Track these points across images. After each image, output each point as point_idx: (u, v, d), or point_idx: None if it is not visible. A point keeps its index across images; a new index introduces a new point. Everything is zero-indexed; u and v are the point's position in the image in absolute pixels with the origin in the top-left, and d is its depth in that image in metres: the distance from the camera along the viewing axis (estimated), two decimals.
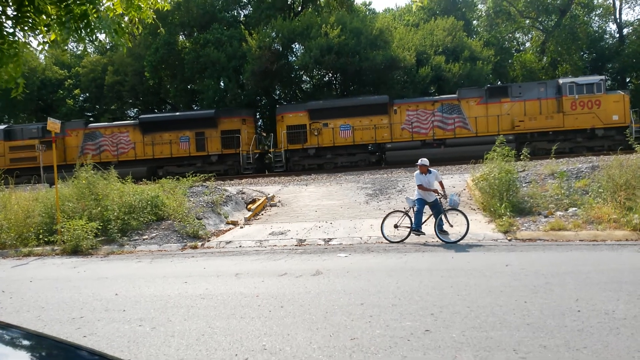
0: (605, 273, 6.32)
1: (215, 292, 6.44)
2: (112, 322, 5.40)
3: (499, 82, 35.38)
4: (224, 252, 10.07)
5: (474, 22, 41.40)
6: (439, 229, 9.43)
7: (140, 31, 4.22)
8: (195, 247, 10.69)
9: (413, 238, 9.66)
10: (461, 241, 9.08)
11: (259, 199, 15.05)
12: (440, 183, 9.74)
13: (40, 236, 11.53)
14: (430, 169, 9.74)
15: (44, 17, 3.39)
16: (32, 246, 11.33)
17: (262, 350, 4.30)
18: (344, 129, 24.21)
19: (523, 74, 35.55)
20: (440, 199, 9.60)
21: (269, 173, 24.45)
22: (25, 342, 1.93)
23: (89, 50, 34.04)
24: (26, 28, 3.30)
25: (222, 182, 20.61)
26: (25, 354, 1.82)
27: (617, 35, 37.38)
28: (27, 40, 3.40)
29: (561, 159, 16.23)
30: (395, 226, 9.76)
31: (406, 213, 9.86)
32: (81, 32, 3.49)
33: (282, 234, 11.22)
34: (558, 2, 36.79)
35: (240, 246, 10.49)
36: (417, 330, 4.54)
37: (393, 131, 23.92)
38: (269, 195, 15.56)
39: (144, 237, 11.54)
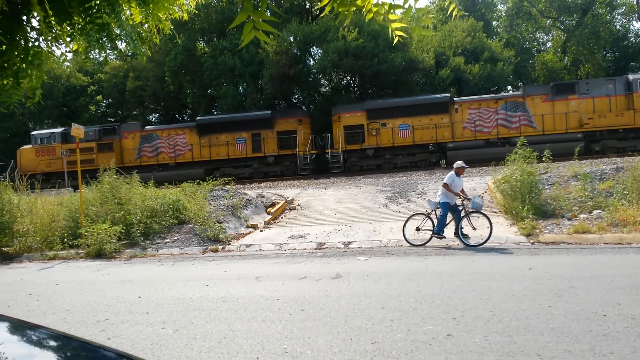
0: (631, 277, 6.18)
1: (236, 295, 6.48)
2: (135, 324, 5.48)
3: (520, 83, 34.93)
4: (245, 255, 10.13)
5: (494, 22, 40.98)
6: (461, 232, 9.35)
7: (159, 40, 4.28)
8: (216, 251, 10.78)
9: (435, 241, 9.58)
10: (484, 244, 8.97)
11: (278, 203, 15.12)
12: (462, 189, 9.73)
13: (65, 240, 11.77)
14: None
15: (68, 27, 3.46)
16: (57, 250, 11.57)
17: (283, 353, 4.31)
18: (402, 129, 23.76)
19: (544, 74, 35.04)
20: (463, 201, 9.52)
21: (326, 174, 24.14)
22: (53, 343, 1.97)
23: (110, 58, 34.62)
24: (50, 38, 3.37)
25: (275, 183, 20.74)
26: (53, 354, 1.86)
27: None
28: (50, 50, 3.47)
29: (584, 161, 15.93)
30: (417, 229, 9.70)
31: (428, 216, 9.77)
32: (102, 41, 3.56)
33: (301, 237, 11.24)
34: (579, 1, 36.18)
35: (260, 249, 10.54)
36: (439, 335, 4.51)
37: (454, 130, 23.46)
38: (288, 199, 15.61)
39: (166, 240, 11.68)
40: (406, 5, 2.71)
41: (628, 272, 6.45)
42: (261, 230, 12.56)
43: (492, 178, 14.10)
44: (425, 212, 10.01)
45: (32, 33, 3.36)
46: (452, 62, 28.57)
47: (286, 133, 24.90)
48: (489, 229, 9.02)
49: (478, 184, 15.10)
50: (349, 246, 10.11)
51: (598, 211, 10.21)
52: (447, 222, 9.53)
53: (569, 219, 10.12)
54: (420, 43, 28.76)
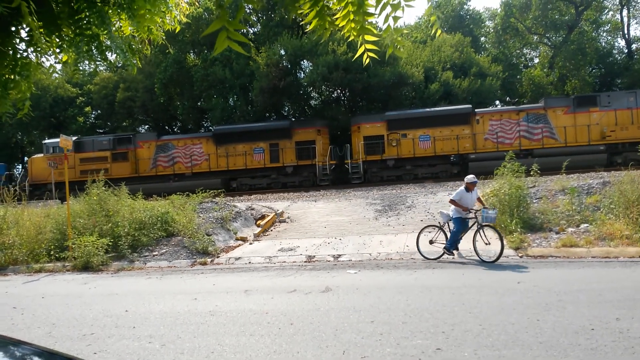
0: (618, 291, 6.23)
1: (224, 309, 6.42)
2: (122, 339, 5.40)
3: (508, 98, 35.37)
4: (233, 268, 10.06)
5: (482, 38, 41.57)
6: (473, 246, 8.97)
7: (150, 52, 4.28)
8: (204, 264, 10.70)
9: (448, 255, 9.31)
10: (497, 260, 8.58)
11: (268, 215, 15.07)
12: (479, 199, 9.49)
13: (52, 252, 11.60)
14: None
15: (57, 39, 3.45)
16: (43, 262, 11.40)
17: None
18: (423, 140, 23.65)
19: (532, 89, 35.53)
20: (475, 213, 9.21)
21: (346, 185, 23.95)
22: (37, 359, 1.93)
23: (100, 69, 34.52)
24: (39, 49, 3.36)
25: (265, 195, 20.61)
26: None
27: (626, 50, 37.32)
28: (39, 62, 3.46)
29: (572, 175, 16.10)
30: (431, 242, 9.51)
31: (441, 228, 9.53)
32: (92, 53, 3.56)
33: (291, 250, 11.20)
34: (566, 18, 36.87)
35: (249, 262, 10.48)
36: (428, 349, 4.50)
37: (476, 141, 23.34)
38: (278, 211, 15.57)
39: (154, 253, 11.57)
40: (384, 26, 2.74)
41: (615, 286, 6.50)
42: (250, 243, 12.49)
43: (480, 191, 14.18)
44: (438, 224, 9.73)
45: (21, 44, 3.35)
46: (442, 77, 28.89)
47: (305, 143, 24.63)
48: (500, 244, 8.65)
49: None
50: (339, 259, 10.08)
51: (585, 225, 10.31)
52: (460, 238, 9.21)
53: (557, 233, 10.20)
54: (409, 58, 29.07)
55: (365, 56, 2.88)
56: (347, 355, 4.47)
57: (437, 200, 15.04)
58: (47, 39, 3.32)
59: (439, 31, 2.82)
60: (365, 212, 14.54)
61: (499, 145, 22.94)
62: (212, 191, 15.90)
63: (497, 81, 30.48)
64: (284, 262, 10.23)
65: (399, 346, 4.62)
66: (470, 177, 9.39)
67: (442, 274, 8.01)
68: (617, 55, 37.77)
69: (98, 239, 11.12)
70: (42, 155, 26.72)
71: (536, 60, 42.15)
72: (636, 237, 9.08)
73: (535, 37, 40.28)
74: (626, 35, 37.79)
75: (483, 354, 4.30)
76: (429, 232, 9.76)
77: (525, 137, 23.06)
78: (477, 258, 8.87)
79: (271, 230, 13.84)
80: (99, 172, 25.08)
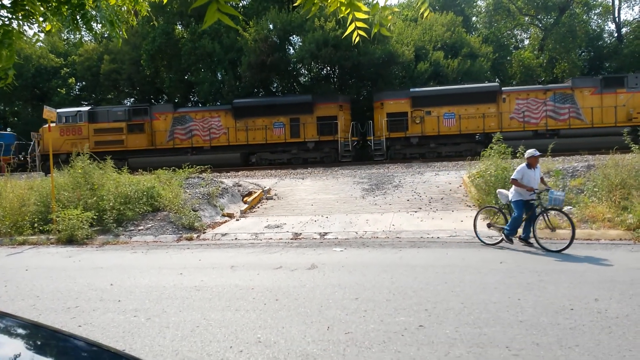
0: (599, 272, 6.36)
1: (210, 284, 6.45)
2: (107, 312, 5.41)
3: (497, 80, 35.40)
4: (220, 244, 10.07)
5: (473, 18, 41.33)
6: (534, 235, 8.19)
7: (135, 23, 4.19)
8: (190, 239, 10.69)
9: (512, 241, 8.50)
10: (567, 249, 7.66)
11: (255, 192, 15.05)
12: (542, 179, 8.45)
13: (35, 225, 11.49)
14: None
15: (40, 7, 3.35)
16: (27, 235, 11.30)
17: (256, 342, 4.32)
18: (447, 117, 23.30)
19: (521, 71, 35.57)
20: (540, 194, 8.20)
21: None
22: (21, 331, 1.92)
23: (85, 40, 33.73)
24: (21, 17, 3.26)
25: (252, 172, 20.49)
26: (22, 343, 1.82)
27: (616, 34, 37.43)
28: (21, 30, 3.36)
29: (557, 157, 16.26)
30: (489, 225, 8.99)
31: (500, 210, 8.80)
32: (77, 22, 3.47)
33: (277, 227, 11.22)
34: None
35: (235, 239, 10.49)
36: (411, 326, 4.57)
37: (502, 120, 23.04)
38: (265, 188, 15.55)
39: (140, 227, 11.53)
40: (373, 2, 2.70)
41: (596, 268, 6.64)
42: (237, 220, 12.49)
43: (467, 172, 14.29)
44: (497, 206, 9.11)
45: (1, 11, 3.24)
46: (432, 57, 28.75)
47: (326, 119, 24.17)
48: (572, 229, 7.65)
49: (454, 177, 15.29)
50: (325, 237, 10.14)
51: (569, 207, 10.45)
52: (522, 222, 8.29)
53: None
54: (400, 36, 28.84)
55: (355, 34, 2.84)
56: (331, 330, 4.53)
57: (424, 180, 15.14)
58: (31, 7, 3.23)
59: (427, 11, 2.79)
60: (353, 191, 14.59)
61: (525, 125, 22.77)
62: (197, 167, 15.78)
63: (488, 62, 30.43)
64: (271, 239, 10.26)
65: (382, 323, 4.68)
66: (531, 151, 8.31)
67: (427, 253, 8.10)
68: (607, 39, 37.88)
69: (83, 213, 11.04)
70: (53, 124, 25.99)
71: (526, 42, 42.14)
72: (618, 220, 9.24)
73: (527, 18, 40.16)
74: (616, 19, 37.85)
75: (464, 331, 4.38)
76: (487, 214, 9.20)
77: (552, 117, 22.86)
78: (538, 246, 8.05)
79: (258, 207, 13.84)
80: (114, 143, 24.94)
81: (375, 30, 2.82)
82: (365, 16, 2.79)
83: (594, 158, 15.73)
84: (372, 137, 24.09)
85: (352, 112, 25.80)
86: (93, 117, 25.63)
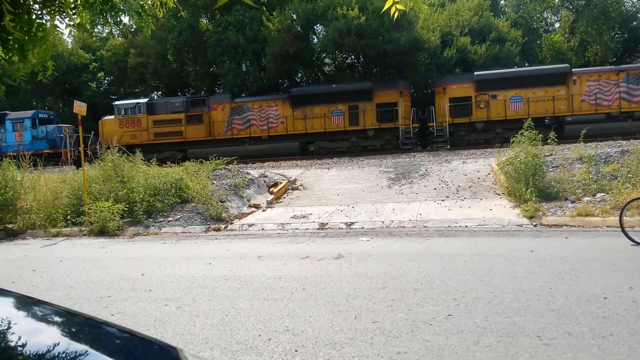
0: (633, 260, 6.19)
1: (238, 274, 6.52)
2: (138, 301, 5.53)
3: (526, 64, 34.52)
4: (247, 234, 10.17)
5: (502, 1, 40.35)
6: None
7: (162, 14, 4.23)
8: (218, 230, 10.83)
9: None
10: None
11: (280, 182, 15.12)
12: None
13: (68, 217, 11.82)
14: None
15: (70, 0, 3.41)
16: (60, 227, 11.63)
17: (284, 331, 4.35)
18: (514, 101, 22.58)
19: (551, 55, 34.60)
20: None
21: (429, 149, 23.21)
22: (57, 319, 1.98)
23: (114, 33, 34.21)
24: (53, 11, 3.32)
25: (277, 163, 20.66)
26: (57, 329, 1.88)
27: None
28: (54, 23, 3.42)
29: (590, 143, 15.81)
30: None
31: None
32: (106, 14, 3.52)
33: (304, 217, 11.26)
34: None
35: (262, 229, 10.58)
36: (439, 315, 4.54)
37: (573, 103, 22.29)
38: (290, 179, 15.61)
39: (169, 219, 11.73)
40: None
41: (630, 256, 6.45)
42: (263, 210, 12.59)
43: (496, 160, 14.04)
44: None
45: (34, 6, 3.31)
46: (458, 42, 28.20)
47: (386, 105, 23.70)
48: None
49: (482, 165, 15.05)
50: (351, 227, 10.13)
51: (602, 194, 10.18)
52: None
53: (573, 202, 10.10)
54: (425, 22, 28.36)
55: (393, 9, 2.79)
56: (358, 320, 4.53)
57: (452, 169, 14.94)
58: (61, 0, 3.29)
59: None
60: (379, 180, 14.51)
61: (598, 108, 21.95)
62: (225, 159, 15.93)
63: (517, 47, 29.68)
64: (297, 229, 10.30)
65: (410, 312, 4.66)
66: None
67: (455, 242, 8.01)
68: None
69: (113, 205, 11.29)
70: (112, 117, 26.30)
71: (557, 25, 40.92)
72: None
73: (557, 1, 38.97)
74: None
75: (494, 321, 4.32)
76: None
77: (625, 99, 21.95)
78: None
79: (284, 198, 13.91)
80: (173, 134, 25.31)
81: (411, 4, 2.80)
82: None
83: (627, 143, 15.24)
84: (434, 124, 23.47)
85: None
86: (151, 108, 25.77)
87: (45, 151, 25.62)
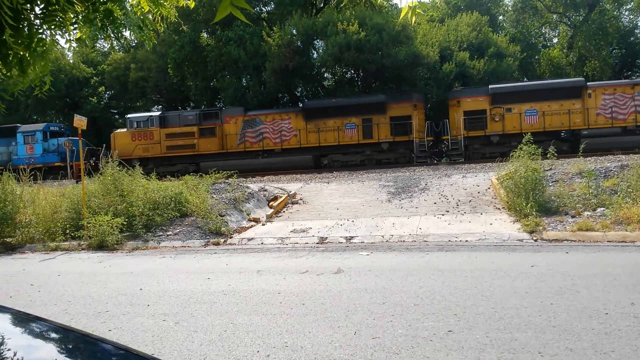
0: (634, 275, 6.15)
1: (237, 289, 6.48)
2: (136, 316, 5.48)
3: (525, 79, 34.74)
4: (246, 248, 10.13)
5: (500, 17, 40.74)
6: None
7: (163, 28, 4.26)
8: (217, 244, 10.79)
9: None
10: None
11: (280, 197, 15.10)
12: None
13: (67, 231, 11.78)
14: None
15: (71, 14, 3.43)
16: (59, 241, 11.59)
17: (283, 347, 4.31)
18: (529, 114, 22.64)
19: (550, 70, 34.86)
20: None
21: (444, 162, 23.17)
22: (54, 335, 1.97)
23: (115, 47, 34.51)
24: (53, 26, 3.34)
25: (277, 177, 20.58)
26: (54, 347, 1.86)
27: None
28: (54, 39, 3.44)
29: (589, 158, 15.83)
30: None
31: None
32: (107, 29, 3.54)
33: (303, 231, 11.23)
34: None
35: (262, 243, 10.54)
36: (440, 331, 4.49)
37: (588, 116, 22.29)
38: (290, 193, 15.60)
39: (168, 233, 11.69)
40: None
41: (631, 271, 6.42)
42: (263, 224, 12.55)
43: (496, 174, 14.05)
44: None
45: (35, 21, 3.33)
46: (457, 57, 28.42)
47: (400, 119, 23.71)
48: None
49: (482, 180, 15.06)
50: (351, 241, 10.09)
51: (602, 209, 10.17)
52: None
53: (573, 217, 10.07)
54: (424, 37, 28.63)
55: (410, 14, 2.79)
56: (358, 335, 4.49)
57: (451, 183, 14.94)
58: (62, 15, 3.31)
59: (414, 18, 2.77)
60: (378, 194, 14.50)
61: (614, 121, 21.93)
62: (225, 172, 15.93)
63: (515, 62, 29.91)
64: (296, 243, 10.27)
65: (410, 328, 4.62)
66: None
67: (455, 257, 7.98)
68: (639, 35, 36.81)
69: (113, 219, 11.26)
70: (125, 130, 26.35)
71: (555, 40, 41.29)
72: None
73: (555, 16, 39.37)
74: None
75: (495, 337, 4.28)
76: None
77: None
78: None
79: (283, 212, 13.88)
80: (186, 147, 25.30)
81: (419, 11, 2.80)
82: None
83: (627, 158, 15.27)
84: (448, 137, 23.47)
85: None
86: (164, 121, 25.81)
87: (56, 164, 25.66)
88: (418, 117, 23.94)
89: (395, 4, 37.88)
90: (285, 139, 25.03)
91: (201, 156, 25.16)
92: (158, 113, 26.95)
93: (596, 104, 22.34)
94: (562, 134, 22.50)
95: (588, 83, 23.13)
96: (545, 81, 23.84)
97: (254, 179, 20.32)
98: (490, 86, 23.66)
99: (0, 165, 23.30)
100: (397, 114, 23.89)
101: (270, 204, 14.68)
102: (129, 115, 27.13)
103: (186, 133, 25.36)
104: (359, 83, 29.78)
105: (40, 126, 27.83)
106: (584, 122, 22.19)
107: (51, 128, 27.95)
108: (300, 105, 25.51)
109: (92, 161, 26.70)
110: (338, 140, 24.29)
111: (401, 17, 2.82)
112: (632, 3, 37.38)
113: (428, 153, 23.66)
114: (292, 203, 14.70)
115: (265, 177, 21.14)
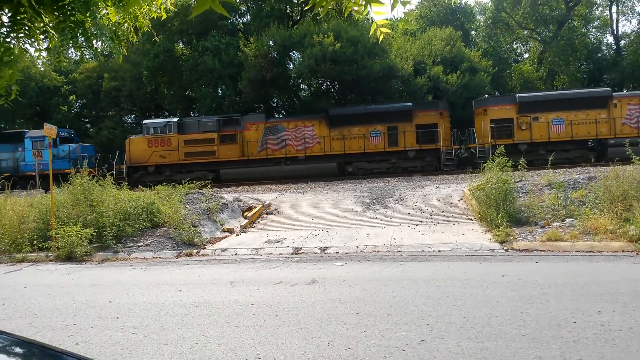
0: (601, 284, 6.30)
1: (210, 300, 6.39)
2: (105, 329, 5.36)
3: (497, 93, 35.53)
4: (220, 259, 10.02)
5: (472, 32, 41.67)
6: None
7: (136, 39, 4.22)
8: (190, 255, 10.64)
9: None
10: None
11: (255, 207, 15.01)
12: None
13: (35, 242, 11.45)
14: None
15: (41, 24, 3.37)
16: (25, 252, 11.25)
17: (255, 359, 4.26)
18: (556, 123, 22.80)
19: (521, 84, 35.73)
20: None
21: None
22: (16, 349, 1.91)
23: (87, 57, 33.97)
24: (21, 35, 3.28)
25: (252, 187, 20.35)
26: None
27: (614, 47, 37.68)
28: (23, 48, 3.37)
29: (558, 170, 16.24)
30: None
31: None
32: (77, 39, 3.49)
33: (278, 242, 11.17)
34: (556, 13, 37.10)
35: (235, 254, 10.44)
36: (413, 341, 4.52)
37: (615, 126, 22.49)
38: (265, 203, 15.52)
39: (139, 244, 11.48)
40: (389, 1, 2.70)
41: (598, 280, 6.58)
42: (237, 235, 12.45)
43: (468, 185, 14.27)
44: None
45: (2, 29, 3.26)
46: (431, 71, 28.89)
47: (426, 127, 23.63)
48: None
49: (454, 191, 15.27)
50: (326, 251, 10.09)
51: (570, 219, 10.41)
52: None
53: (542, 227, 10.29)
54: (399, 51, 29.04)
55: (378, 32, 2.84)
56: (332, 346, 4.47)
57: (425, 194, 15.11)
58: (30, 24, 3.25)
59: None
60: (353, 205, 14.55)
61: (639, 131, 22.12)
62: (199, 182, 15.77)
63: (488, 76, 30.59)
64: (271, 254, 10.20)
65: (383, 338, 4.63)
66: None
67: (428, 267, 8.05)
68: (605, 52, 38.15)
69: (82, 229, 11.00)
70: (140, 136, 25.56)
71: (526, 55, 42.41)
72: (620, 232, 9.18)
73: (526, 32, 40.49)
74: (615, 32, 38.15)
75: (466, 346, 4.32)
76: None
77: None
78: None
79: (258, 222, 13.80)
80: (205, 154, 24.63)
81: (400, 26, 2.87)
82: (384, 13, 2.81)
83: (595, 170, 15.71)
84: (475, 145, 23.56)
85: None
86: (182, 127, 25.18)
87: (67, 171, 24.91)
88: (444, 125, 24.03)
89: (372, 17, 38.31)
90: (309, 145, 24.64)
91: (221, 163, 24.64)
92: (176, 119, 26.24)
93: (622, 113, 22.78)
94: (590, 143, 22.88)
95: (614, 93, 23.61)
96: (572, 90, 24.29)
97: (228, 189, 20.16)
98: (517, 95, 24.01)
99: (6, 173, 22.37)
100: (423, 122, 23.86)
101: (245, 214, 14.58)
102: (145, 121, 26.37)
103: (206, 139, 24.75)
104: (335, 95, 29.98)
105: None
106: (609, 131, 22.56)
107: (61, 134, 26.98)
108: (324, 112, 25.15)
109: (103, 168, 25.94)
110: (363, 147, 24.08)
111: (370, 33, 2.87)
112: (598, 21, 38.80)
113: (455, 161, 23.69)
114: (267, 213, 14.63)
115: (240, 187, 20.97)
